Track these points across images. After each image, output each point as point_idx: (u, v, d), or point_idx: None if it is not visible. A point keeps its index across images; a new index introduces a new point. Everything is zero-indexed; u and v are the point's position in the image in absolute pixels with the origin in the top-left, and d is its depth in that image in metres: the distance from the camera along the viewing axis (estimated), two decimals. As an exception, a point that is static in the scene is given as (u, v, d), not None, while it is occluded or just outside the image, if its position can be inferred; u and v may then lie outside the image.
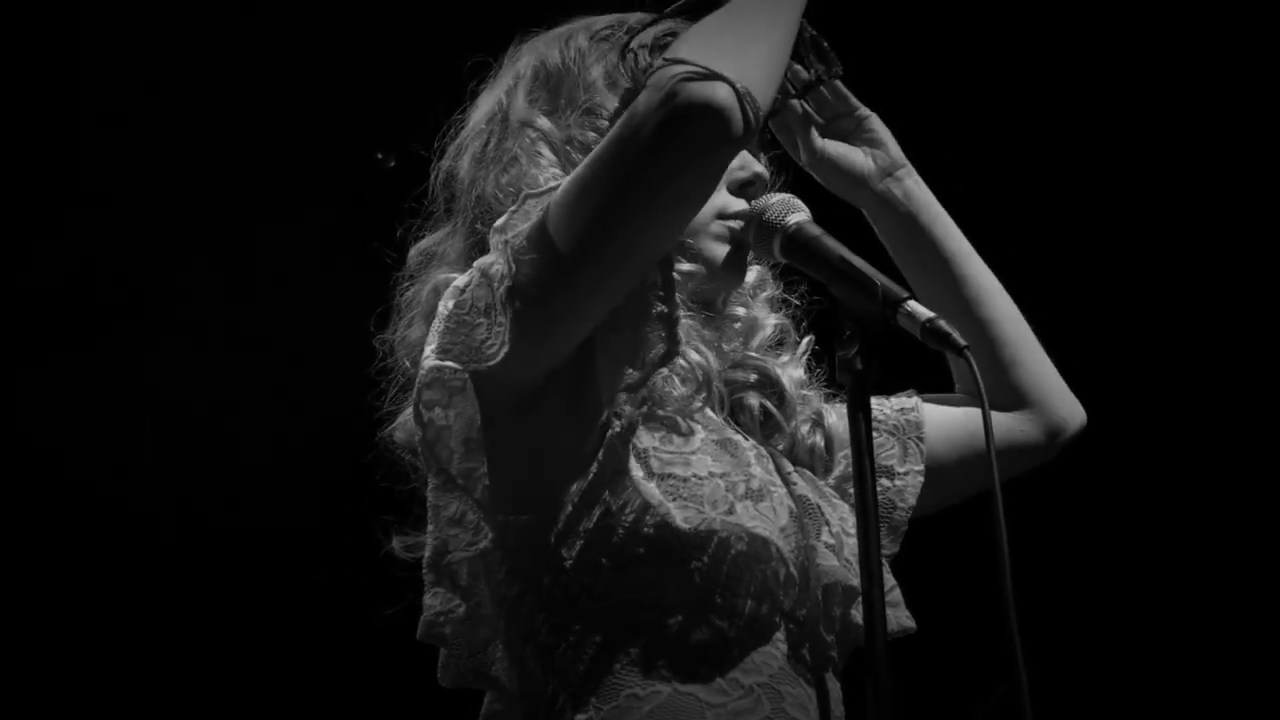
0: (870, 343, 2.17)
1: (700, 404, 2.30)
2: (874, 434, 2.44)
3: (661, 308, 2.26)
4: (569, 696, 2.20)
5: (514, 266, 2.13)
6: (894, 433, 2.51)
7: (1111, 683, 4.54)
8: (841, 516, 2.33)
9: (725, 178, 2.33)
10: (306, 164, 4.27)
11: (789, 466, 2.37)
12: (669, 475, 2.21)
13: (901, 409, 2.53)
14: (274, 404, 4.33)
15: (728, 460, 2.26)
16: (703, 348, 2.33)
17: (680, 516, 2.18)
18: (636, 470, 2.19)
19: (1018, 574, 2.08)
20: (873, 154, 2.53)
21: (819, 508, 2.32)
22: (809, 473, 2.41)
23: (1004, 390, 2.54)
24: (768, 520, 2.23)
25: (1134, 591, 4.55)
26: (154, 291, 4.30)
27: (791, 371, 2.44)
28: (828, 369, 2.39)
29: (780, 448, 2.42)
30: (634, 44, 2.35)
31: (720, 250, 2.34)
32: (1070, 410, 2.58)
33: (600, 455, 2.19)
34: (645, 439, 2.23)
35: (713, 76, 2.05)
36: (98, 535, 4.32)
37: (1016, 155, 4.51)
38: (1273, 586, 4.54)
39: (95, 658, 4.34)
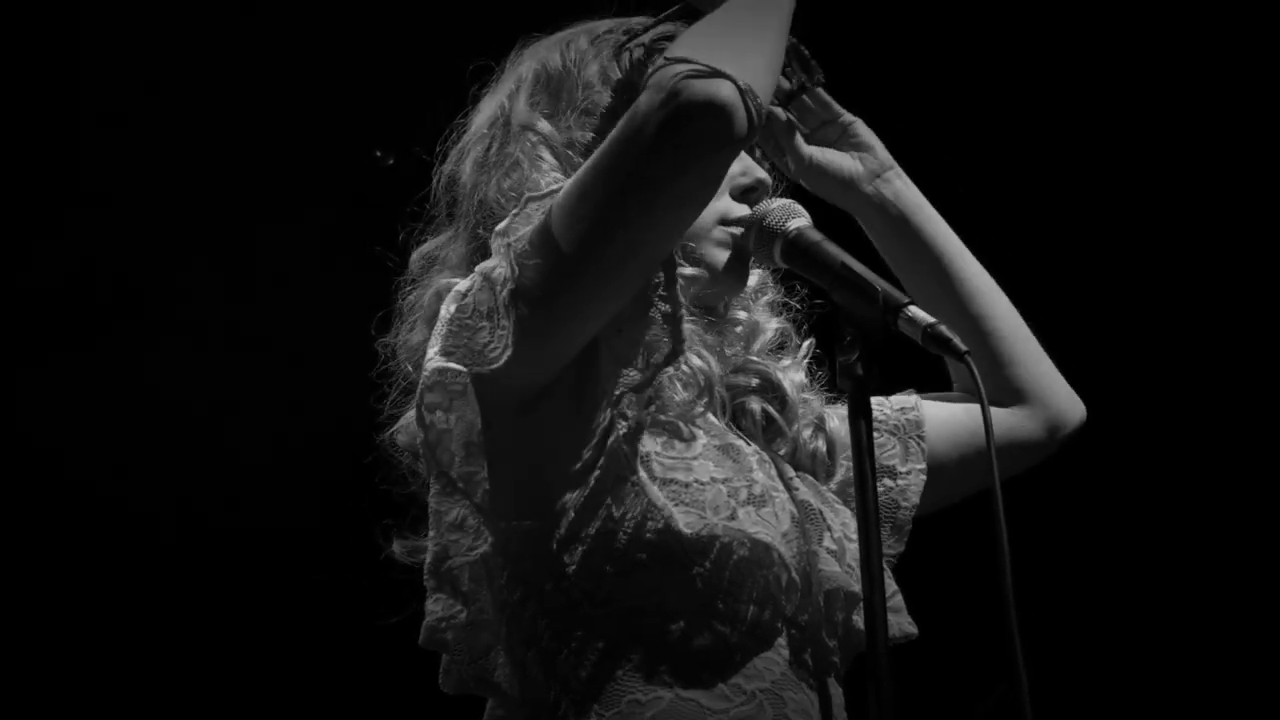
0: (871, 348, 2.17)
1: (702, 409, 2.30)
2: (875, 434, 2.45)
3: (665, 308, 2.25)
4: (571, 702, 2.20)
5: (517, 269, 2.13)
6: (895, 432, 2.52)
7: (1112, 683, 4.54)
8: (844, 522, 2.33)
9: (728, 183, 2.34)
10: (307, 164, 4.27)
11: (791, 471, 2.37)
12: (671, 481, 2.21)
13: (902, 408, 2.54)
14: (274, 405, 4.33)
15: (730, 466, 2.26)
16: (705, 353, 2.33)
17: (682, 522, 2.18)
18: (642, 473, 2.19)
19: (1018, 574, 2.08)
20: (860, 158, 2.54)
21: (821, 513, 2.32)
22: (811, 478, 2.41)
23: (1002, 386, 2.55)
24: (770, 526, 2.23)
25: (1134, 591, 4.55)
26: (154, 292, 4.30)
27: (793, 375, 2.45)
28: (829, 372, 2.39)
29: (782, 452, 2.42)
30: (631, 44, 2.35)
31: (722, 256, 2.34)
32: (1069, 405, 2.59)
33: (602, 460, 2.19)
34: (647, 444, 2.23)
35: (716, 74, 2.05)
36: (98, 535, 4.32)
37: (1012, 152, 4.51)
38: (1273, 586, 4.54)
39: (95, 658, 4.34)
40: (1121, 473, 4.48)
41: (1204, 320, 4.56)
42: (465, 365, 2.17)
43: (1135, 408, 4.40)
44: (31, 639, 4.32)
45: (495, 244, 2.18)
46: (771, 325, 2.44)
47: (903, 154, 2.60)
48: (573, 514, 2.19)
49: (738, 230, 2.34)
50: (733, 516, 2.21)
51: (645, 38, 2.35)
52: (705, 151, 2.08)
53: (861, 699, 2.17)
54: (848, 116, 2.55)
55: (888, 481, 2.49)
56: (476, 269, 2.20)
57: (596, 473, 2.19)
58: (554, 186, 2.19)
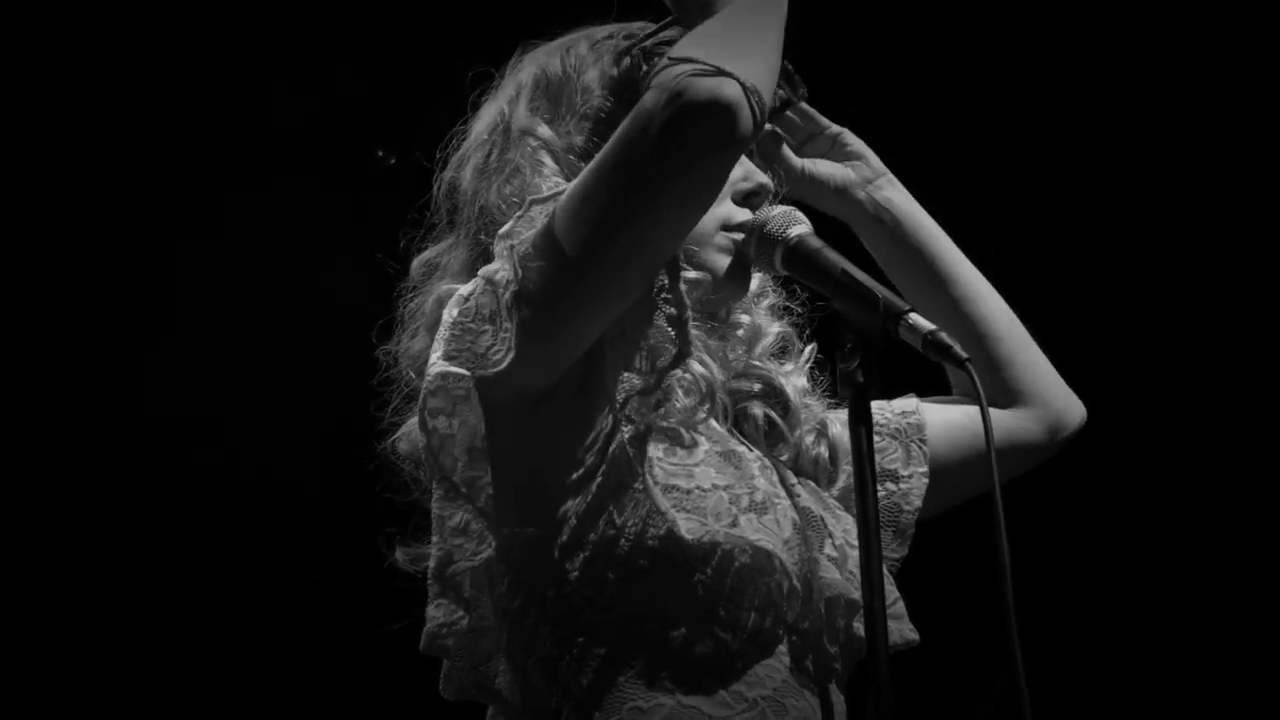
0: (872, 356, 2.18)
1: (704, 415, 2.30)
2: (877, 438, 2.47)
3: (671, 310, 2.25)
4: (572, 709, 2.20)
5: (520, 272, 2.13)
6: (896, 436, 2.52)
7: (1113, 687, 4.54)
8: (845, 528, 2.33)
9: (729, 188, 2.34)
10: (309, 167, 4.26)
11: (792, 478, 2.37)
12: (672, 487, 2.21)
13: (903, 412, 2.54)
14: (274, 408, 4.32)
15: (731, 472, 2.27)
16: (707, 358, 2.33)
17: (684, 528, 2.18)
18: (648, 477, 2.19)
19: (1018, 578, 2.08)
20: (853, 166, 2.56)
21: (822, 520, 2.32)
22: (813, 483, 2.41)
23: (1000, 388, 2.56)
24: (771, 533, 2.23)
25: (1135, 593, 4.55)
26: (154, 292, 4.30)
27: (795, 380, 2.45)
28: (830, 377, 2.40)
29: (784, 458, 2.42)
30: (632, 49, 2.36)
31: (723, 261, 2.34)
32: (1069, 405, 2.60)
33: (604, 466, 2.19)
34: (649, 450, 2.23)
35: (719, 73, 2.05)
36: (96, 538, 4.32)
37: (1010, 152, 4.50)
38: (1275, 587, 4.54)
39: (94, 662, 4.34)
40: (1122, 475, 4.48)
41: (1203, 320, 4.56)
42: (468, 369, 2.17)
43: (1135, 409, 4.39)
44: (30, 641, 4.31)
45: (498, 247, 2.18)
46: (773, 329, 2.44)
47: (900, 156, 2.60)
48: (574, 520, 2.19)
49: (739, 236, 2.34)
50: (734, 523, 2.21)
51: (646, 43, 2.35)
52: (709, 150, 2.08)
53: (863, 705, 2.18)
54: (834, 127, 2.57)
55: (890, 485, 2.50)
56: (479, 273, 2.20)
57: (599, 479, 2.19)
58: (557, 189, 2.19)
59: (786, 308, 2.47)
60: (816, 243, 2.29)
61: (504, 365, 2.14)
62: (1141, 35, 4.48)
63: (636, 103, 2.15)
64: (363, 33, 4.27)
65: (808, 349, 2.47)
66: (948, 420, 2.54)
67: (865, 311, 2.18)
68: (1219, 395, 4.57)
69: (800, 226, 2.31)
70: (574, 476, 2.19)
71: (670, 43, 2.30)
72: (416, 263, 2.39)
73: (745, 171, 2.36)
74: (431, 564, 2.27)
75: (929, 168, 2.66)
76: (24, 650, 4.29)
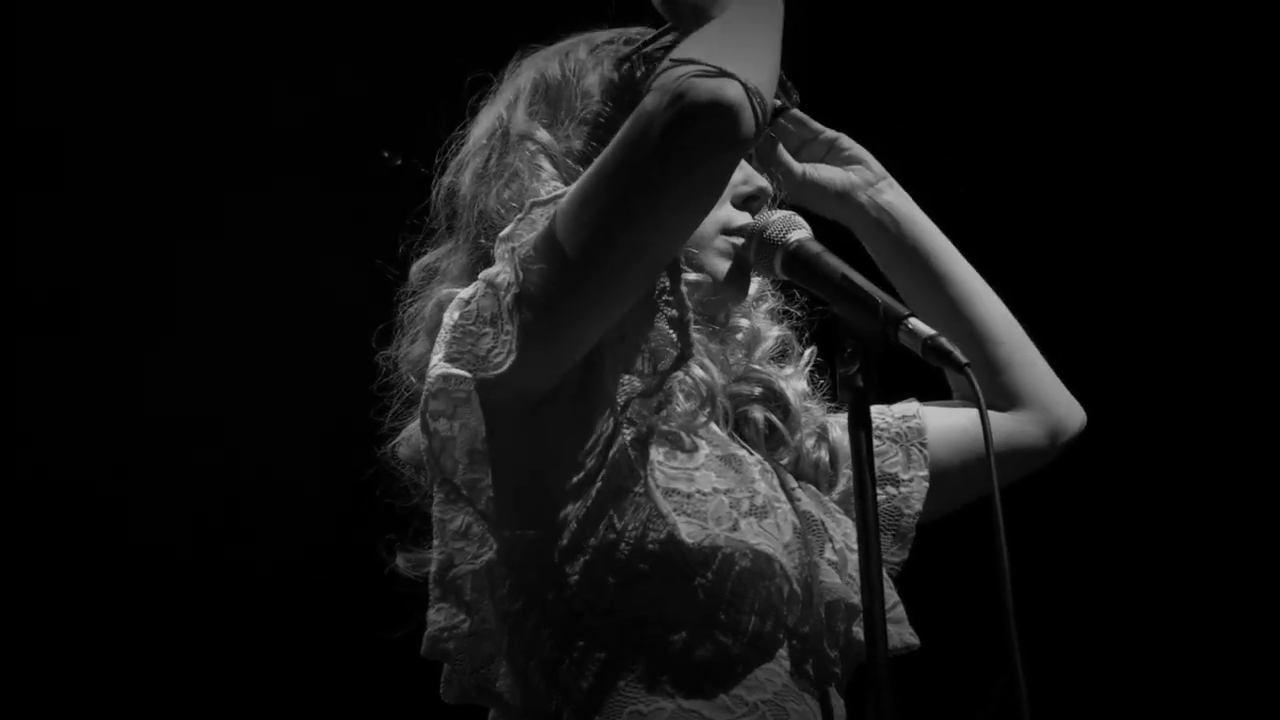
0: (871, 360, 2.18)
1: (705, 419, 2.31)
2: (877, 442, 2.48)
3: (672, 313, 2.25)
4: (573, 713, 2.20)
5: (521, 275, 2.13)
6: (897, 440, 2.53)
7: (1112, 691, 4.54)
8: (845, 532, 2.33)
9: (729, 192, 2.34)
10: (309, 167, 4.26)
11: (793, 482, 2.38)
12: (673, 491, 2.21)
13: (903, 416, 2.54)
14: (274, 406, 4.32)
15: (732, 476, 2.27)
16: (707, 362, 2.33)
17: (684, 532, 2.18)
18: (649, 480, 2.19)
19: (1018, 583, 2.09)
20: (853, 170, 2.57)
21: (823, 524, 2.32)
22: (813, 487, 2.41)
23: (1000, 392, 2.57)
24: (771, 537, 2.23)
25: (1135, 597, 4.55)
26: (154, 292, 4.30)
27: (795, 384, 2.45)
28: (830, 380, 2.40)
29: (785, 462, 2.42)
30: (632, 54, 2.36)
31: (723, 265, 2.34)
32: (1069, 410, 2.61)
33: (605, 469, 2.19)
34: (650, 454, 2.23)
35: (721, 74, 2.05)
36: (98, 535, 4.32)
37: (1009, 155, 4.50)
38: (1274, 590, 4.54)
39: (93, 665, 4.34)
40: (1121, 479, 4.48)
41: (1203, 324, 4.56)
42: (469, 371, 2.17)
43: (1135, 413, 4.39)
44: (30, 642, 4.31)
45: (499, 250, 2.18)
46: (772, 333, 2.44)
47: (899, 160, 2.60)
48: (575, 524, 2.19)
49: (739, 240, 2.34)
50: (734, 528, 2.21)
51: (645, 48, 2.35)
52: (711, 152, 2.08)
53: (863, 709, 2.18)
54: (830, 132, 2.57)
55: (890, 489, 2.50)
56: (479, 275, 2.20)
57: (599, 482, 2.19)
58: (557, 192, 2.19)
59: (786, 312, 2.47)
60: (816, 247, 2.29)
61: (505, 368, 2.14)
62: (1140, 38, 4.48)
63: (636, 107, 2.15)
64: (363, 33, 4.27)
65: (807, 353, 2.47)
66: (948, 424, 2.55)
67: (865, 316, 2.18)
68: (1219, 399, 4.57)
69: (800, 231, 2.31)
70: (575, 480, 2.19)
71: (669, 48, 2.31)
72: (415, 268, 2.39)
73: (745, 175, 2.36)
74: (433, 568, 2.27)
75: (927, 172, 2.65)
76: (24, 650, 4.29)
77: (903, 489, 2.51)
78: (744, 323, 2.42)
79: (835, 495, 2.43)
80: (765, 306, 2.45)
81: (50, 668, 4.31)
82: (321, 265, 4.26)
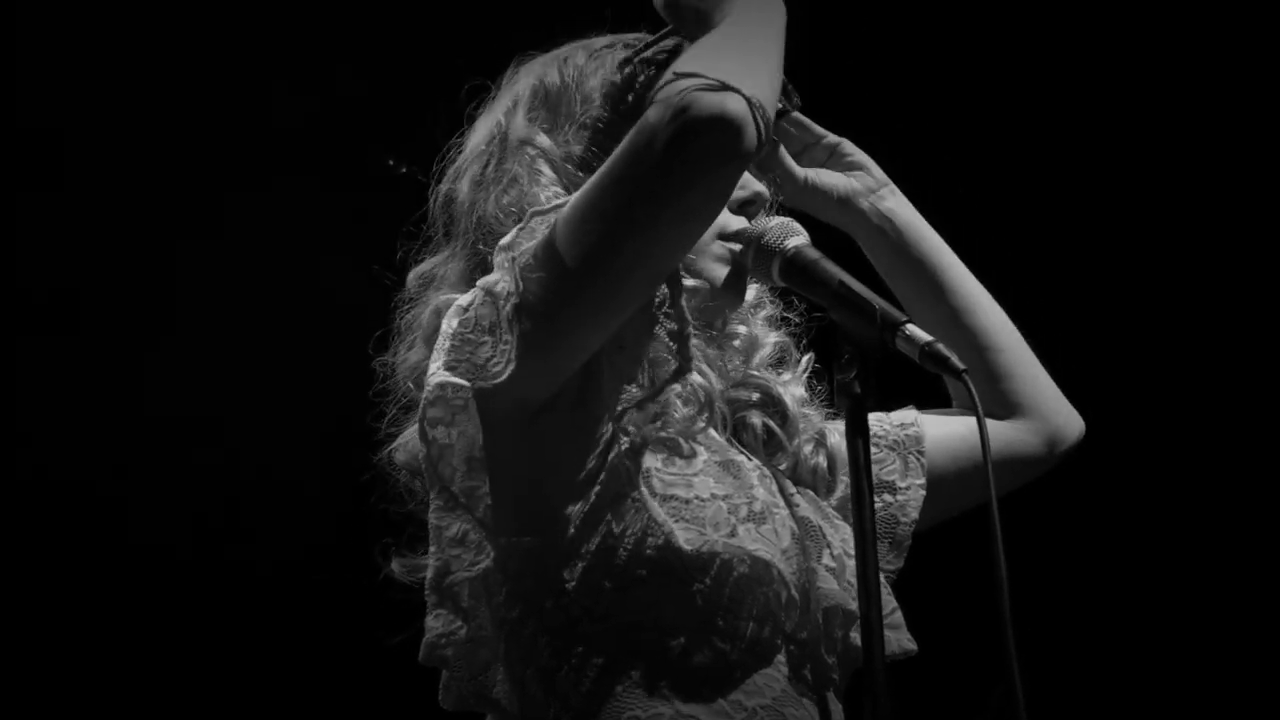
0: (869, 366, 2.18)
1: (703, 425, 2.31)
2: (875, 450, 2.48)
3: (672, 325, 2.25)
4: (570, 719, 2.20)
5: (521, 284, 2.13)
6: (894, 448, 2.53)
7: (1109, 698, 4.54)
8: (843, 538, 2.33)
9: None
10: (309, 167, 4.26)
11: (791, 487, 2.38)
12: (671, 497, 2.22)
13: (901, 424, 2.54)
14: (274, 406, 4.32)
15: (730, 482, 2.27)
16: (705, 368, 2.33)
17: (682, 538, 2.18)
18: (643, 489, 2.19)
19: (1016, 589, 2.08)
20: (854, 175, 2.56)
21: (821, 529, 2.33)
22: (811, 493, 2.41)
23: (999, 400, 2.56)
24: (770, 543, 2.23)
25: (1133, 604, 4.55)
26: (154, 292, 4.30)
27: (793, 390, 2.45)
28: (828, 387, 2.39)
29: (783, 467, 2.43)
30: (634, 60, 2.35)
31: (720, 271, 2.34)
32: (1068, 418, 2.60)
33: (603, 475, 2.19)
34: (647, 460, 2.23)
35: (724, 88, 2.05)
36: (98, 535, 4.32)
37: (1009, 163, 4.50)
38: (1273, 600, 4.53)
39: (90, 667, 4.34)
40: (1119, 486, 4.47)
41: (1203, 333, 4.55)
42: (468, 380, 2.17)
43: (1133, 420, 4.39)
44: (31, 641, 4.31)
45: (498, 258, 2.18)
46: (770, 340, 2.45)
47: (898, 161, 2.60)
48: (572, 530, 2.19)
49: (736, 246, 2.33)
50: (733, 533, 2.21)
51: (648, 53, 2.35)
52: (714, 165, 2.07)
53: (861, 714, 2.18)
54: (832, 137, 2.57)
55: (887, 497, 2.50)
56: (478, 283, 2.20)
57: (597, 488, 2.19)
58: (558, 201, 2.19)
59: (784, 318, 2.47)
60: (814, 254, 2.29)
61: (503, 378, 2.14)
62: (1139, 43, 4.47)
63: (637, 113, 2.15)
64: (363, 33, 4.27)
65: (805, 359, 2.47)
66: (946, 432, 2.55)
67: (862, 322, 2.18)
68: (1218, 406, 4.56)
69: (798, 237, 2.31)
70: (572, 487, 2.20)
71: (671, 52, 2.31)
72: (413, 275, 2.39)
73: (742, 179, 2.35)
74: (429, 574, 2.27)
75: (926, 173, 2.64)
76: (24, 650, 4.29)
77: (899, 497, 2.51)
78: (742, 329, 2.42)
79: (833, 501, 2.43)
80: (763, 313, 2.45)
81: (50, 668, 4.31)
82: (321, 265, 4.26)
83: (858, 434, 2.17)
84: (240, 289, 4.31)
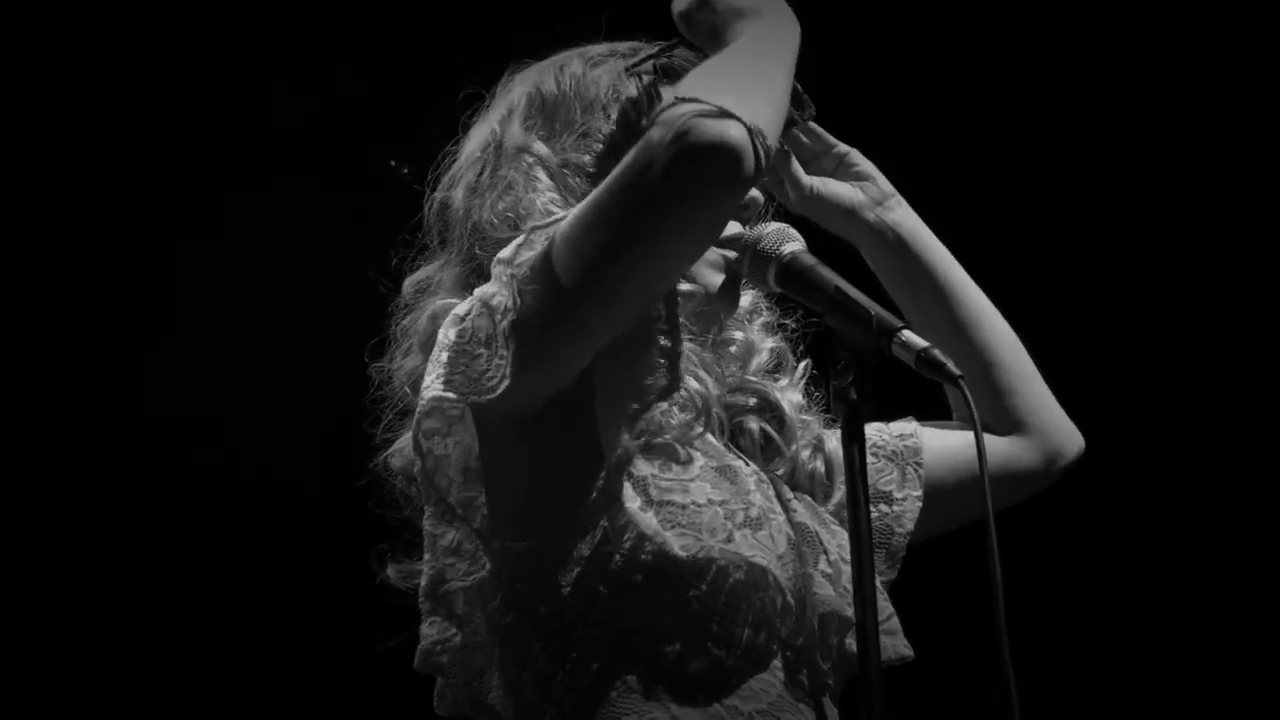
0: (865, 372, 2.18)
1: (700, 430, 2.31)
2: (873, 460, 2.48)
3: (665, 342, 2.25)
4: (565, 725, 2.20)
5: (518, 299, 2.13)
6: (893, 459, 2.52)
7: (1106, 704, 4.54)
8: (840, 544, 2.33)
9: None
10: (309, 167, 4.26)
11: (789, 493, 2.37)
12: (667, 502, 2.21)
13: (900, 435, 2.54)
14: (274, 406, 4.32)
15: (727, 487, 2.26)
16: (702, 373, 2.33)
17: (678, 544, 2.18)
18: (633, 501, 2.19)
19: (1012, 595, 2.08)
20: (861, 186, 2.53)
21: (817, 535, 2.32)
22: (809, 498, 2.41)
23: (1000, 416, 2.55)
24: (766, 549, 2.23)
25: (1130, 611, 4.55)
26: (154, 292, 4.30)
27: (790, 395, 2.45)
28: (826, 392, 2.39)
29: (780, 472, 2.42)
30: (637, 69, 2.35)
31: (715, 278, 2.33)
32: (1068, 436, 2.59)
33: (598, 484, 2.19)
34: (644, 466, 2.23)
35: (725, 114, 2.04)
36: (98, 535, 4.33)
37: (1008, 158, 4.49)
38: (1270, 603, 4.54)
39: (94, 660, 4.34)
40: (1117, 493, 4.47)
41: (1201, 338, 4.55)
42: (462, 392, 2.16)
43: (1130, 427, 4.39)
44: (31, 641, 4.31)
45: (497, 270, 2.17)
46: (767, 346, 2.44)
47: (901, 179, 2.59)
48: (567, 536, 2.20)
49: (732, 253, 2.33)
50: (729, 539, 2.21)
51: (647, 64, 2.35)
52: (710, 192, 2.07)
53: (857, 719, 2.18)
54: (842, 147, 2.54)
55: (883, 507, 2.50)
56: (475, 293, 2.20)
57: (592, 495, 2.19)
58: (557, 213, 2.19)
59: (781, 325, 2.47)
60: (810, 260, 2.29)
61: (498, 392, 2.14)
62: (1137, 51, 4.47)
63: (636, 122, 2.17)
64: (363, 33, 4.27)
65: (802, 365, 2.47)
66: (945, 445, 2.54)
67: (858, 328, 2.18)
68: (1215, 413, 4.56)
69: (793, 244, 2.31)
70: (567, 495, 2.20)
71: (677, 63, 2.32)
72: (409, 282, 2.39)
73: None
74: (423, 582, 2.27)
75: (920, 182, 2.64)
76: (24, 650, 4.29)
77: (895, 507, 2.50)
78: (738, 335, 2.42)
79: (830, 506, 2.43)
80: (760, 320, 2.45)
81: (50, 668, 4.31)
82: (321, 265, 4.26)
83: (854, 440, 2.17)
84: (240, 289, 4.31)
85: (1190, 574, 4.54)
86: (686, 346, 2.31)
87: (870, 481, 2.40)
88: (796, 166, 2.51)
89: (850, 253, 2.53)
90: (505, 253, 2.17)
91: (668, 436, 2.27)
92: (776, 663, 2.25)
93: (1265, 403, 4.55)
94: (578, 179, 2.32)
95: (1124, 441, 4.21)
